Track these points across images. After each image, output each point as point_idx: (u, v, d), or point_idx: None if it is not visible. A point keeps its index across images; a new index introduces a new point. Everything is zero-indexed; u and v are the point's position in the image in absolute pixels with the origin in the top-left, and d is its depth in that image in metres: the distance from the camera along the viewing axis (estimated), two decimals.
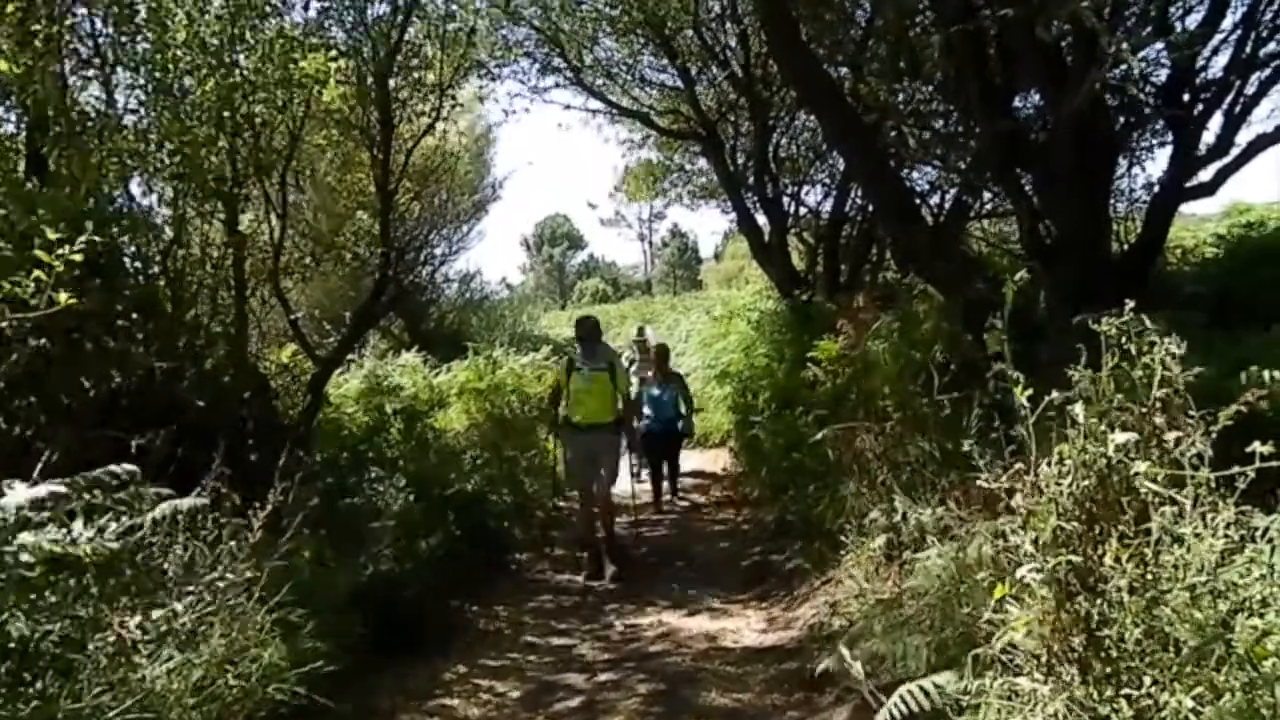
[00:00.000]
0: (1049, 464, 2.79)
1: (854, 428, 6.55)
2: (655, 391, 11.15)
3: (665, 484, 11.46)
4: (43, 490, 4.30)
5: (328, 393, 9.30)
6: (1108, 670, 2.54)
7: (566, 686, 5.65)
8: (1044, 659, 2.68)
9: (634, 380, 11.10)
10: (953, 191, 11.18)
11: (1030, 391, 2.89)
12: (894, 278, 11.16)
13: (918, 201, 10.12)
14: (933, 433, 5.72)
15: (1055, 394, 2.89)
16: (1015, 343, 3.20)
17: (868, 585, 5.22)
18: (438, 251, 21.07)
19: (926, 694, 3.13)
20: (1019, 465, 2.92)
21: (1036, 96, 8.70)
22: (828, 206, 14.49)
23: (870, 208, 11.94)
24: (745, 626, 6.58)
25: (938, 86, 9.21)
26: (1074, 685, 2.57)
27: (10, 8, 5.15)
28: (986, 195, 11.03)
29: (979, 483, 3.10)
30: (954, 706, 2.99)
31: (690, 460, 13.86)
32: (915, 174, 11.32)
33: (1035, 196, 7.78)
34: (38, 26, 5.95)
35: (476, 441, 10.62)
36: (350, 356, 11.23)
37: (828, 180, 14.80)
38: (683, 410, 11.09)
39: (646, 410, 10.99)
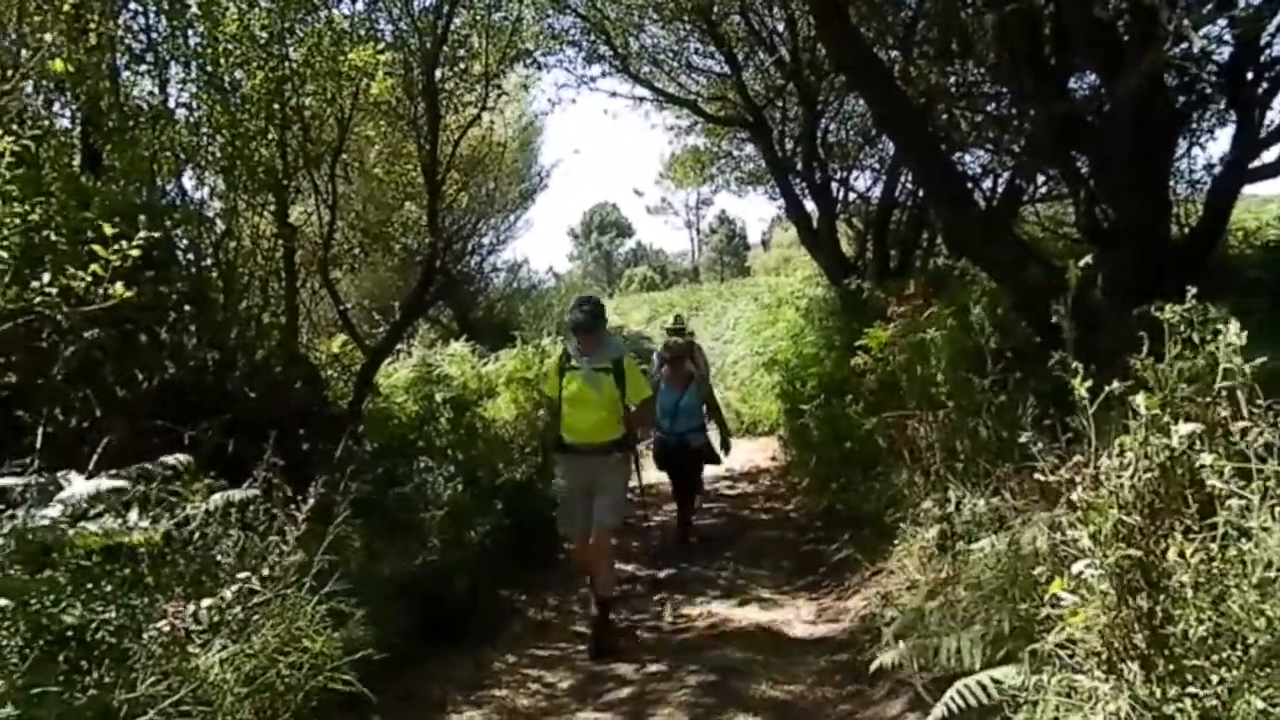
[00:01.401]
0: (1109, 455, 2.70)
1: (905, 416, 6.47)
2: (673, 394, 8.83)
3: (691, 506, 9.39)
4: (98, 481, 4.36)
5: (377, 382, 9.37)
6: (1172, 669, 2.46)
7: (616, 677, 5.64)
8: (1105, 656, 2.60)
9: (654, 372, 9.28)
10: (1006, 175, 10.98)
11: (1089, 381, 2.80)
12: (945, 263, 11.00)
13: (970, 186, 9.94)
14: (987, 421, 5.62)
15: (1116, 383, 2.81)
16: (1073, 330, 3.11)
17: (920, 576, 5.14)
18: (485, 241, 21.17)
19: (984, 689, 3.06)
20: (1077, 457, 2.84)
21: (1092, 77, 8.50)
22: (877, 192, 14.34)
23: (921, 192, 11.76)
24: (795, 617, 6.52)
25: (990, 68, 9.03)
26: (1136, 684, 2.50)
27: (65, 5, 5.20)
28: (1041, 179, 10.81)
29: (1035, 474, 3.02)
30: (1011, 702, 2.92)
31: (738, 449, 13.79)
32: (968, 157, 11.12)
33: (1092, 180, 7.60)
34: (92, 23, 6.02)
35: (525, 431, 10.63)
36: (399, 346, 11.30)
37: (877, 165, 14.64)
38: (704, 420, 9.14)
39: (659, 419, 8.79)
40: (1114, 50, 6.66)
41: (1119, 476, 2.65)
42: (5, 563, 4.06)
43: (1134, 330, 3.00)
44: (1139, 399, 2.68)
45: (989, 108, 9.64)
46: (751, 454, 13.61)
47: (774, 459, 13.04)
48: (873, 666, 4.03)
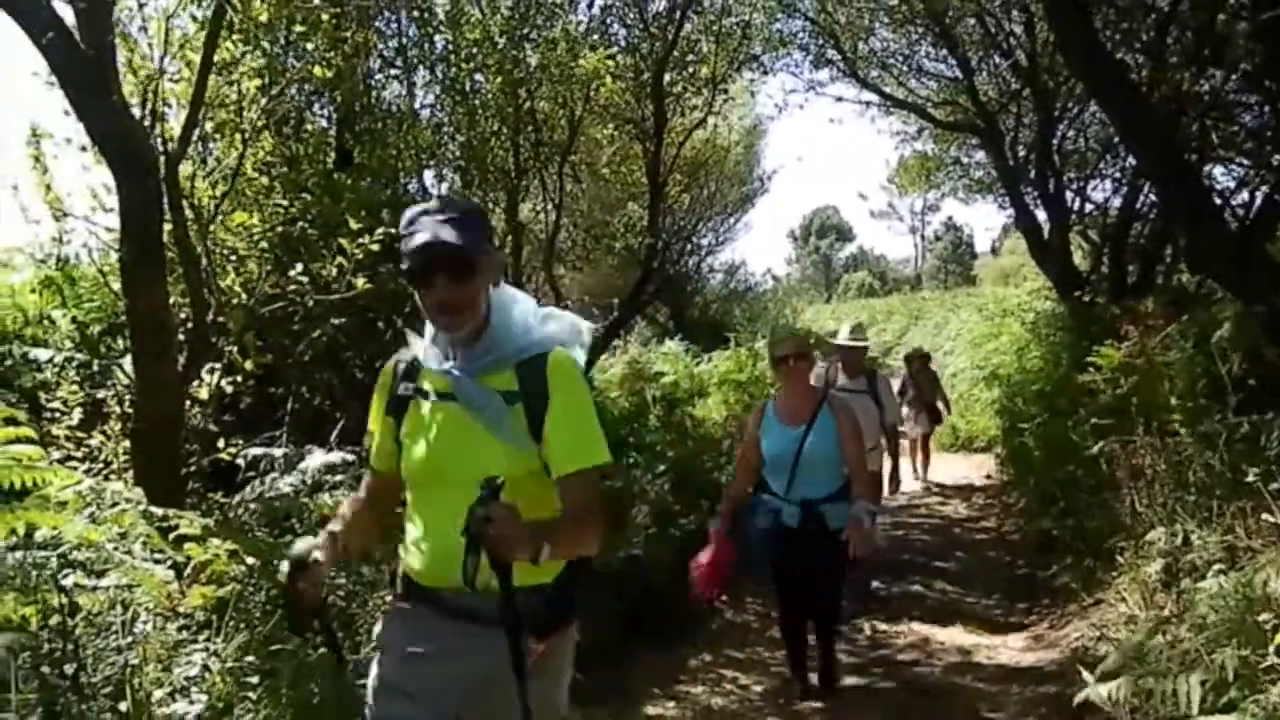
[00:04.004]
0: None
1: (1135, 441, 6.13)
2: (786, 432, 4.97)
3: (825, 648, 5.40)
4: (336, 456, 4.72)
5: (592, 377, 9.64)
6: None
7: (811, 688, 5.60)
8: None
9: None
10: (1262, 190, 10.18)
11: None
12: (1189, 282, 10.33)
13: (1220, 202, 9.29)
14: (1224, 454, 5.26)
15: None
16: None
17: (1141, 611, 4.88)
18: (704, 242, 21.36)
19: None
20: None
21: None
22: (1116, 203, 13.58)
23: (1164, 205, 11.07)
24: (1003, 643, 6.30)
25: (1245, 76, 8.41)
26: None
27: (325, 16, 5.64)
28: None
29: (1273, 514, 2.83)
30: None
31: (953, 464, 13.41)
32: (1218, 171, 10.39)
33: None
34: (348, 31, 6.49)
35: (734, 433, 10.69)
36: (615, 342, 11.60)
37: (1118, 175, 13.85)
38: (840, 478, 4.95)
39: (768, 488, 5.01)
40: None
41: None
42: (254, 525, 4.46)
43: None
44: None
45: (1244, 118, 8.99)
46: (966, 470, 13.20)
47: (989, 477, 12.59)
48: (1078, 699, 3.85)
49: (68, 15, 4.03)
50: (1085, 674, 3.69)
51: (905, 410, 11.06)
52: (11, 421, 3.08)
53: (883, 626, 6.74)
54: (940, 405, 11.90)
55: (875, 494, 6.20)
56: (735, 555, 4.94)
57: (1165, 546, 5.02)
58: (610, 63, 7.88)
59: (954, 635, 6.50)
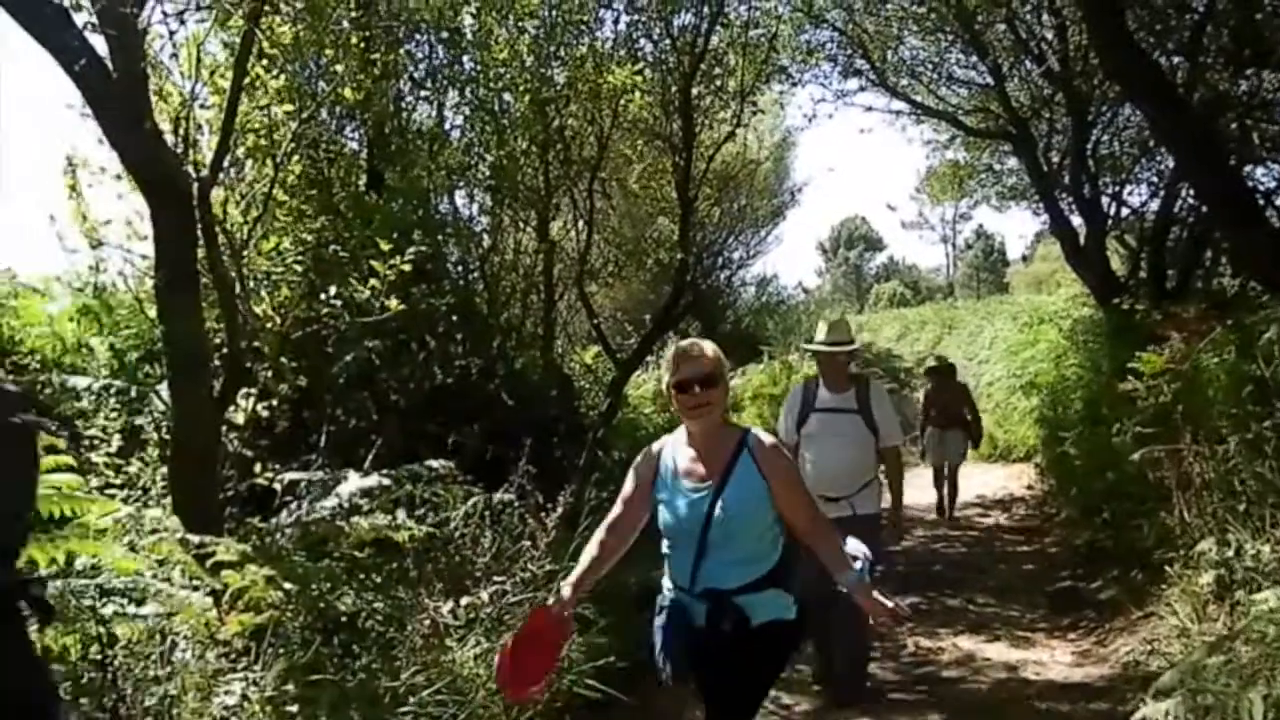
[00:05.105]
0: None
1: (1180, 449, 6.01)
2: (688, 491, 3.28)
3: None
4: (372, 480, 4.71)
5: (626, 393, 9.61)
6: None
7: (855, 705, 5.51)
8: None
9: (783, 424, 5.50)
10: None
11: None
12: (1231, 285, 10.16)
13: (1262, 201, 9.14)
14: (1274, 461, 5.14)
15: None
16: None
17: (1193, 625, 4.76)
18: (735, 256, 21.32)
19: None
20: None
21: None
22: (1154, 207, 13.41)
23: (1204, 208, 10.91)
24: (1050, 658, 6.16)
25: None
26: None
27: (354, 39, 5.67)
28: None
29: None
30: None
31: (990, 475, 13.24)
32: (1259, 171, 10.23)
33: None
34: (378, 54, 6.51)
35: None
36: (649, 358, 11.57)
37: (1154, 179, 13.69)
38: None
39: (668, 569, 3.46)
40: None
41: None
42: (290, 550, 4.45)
43: None
44: None
45: None
46: (1005, 481, 13.03)
47: (1029, 487, 12.41)
48: (1135, 718, 3.76)
49: (100, 45, 4.06)
50: (1145, 696, 3.58)
51: (928, 433, 10.23)
52: (52, 450, 3.09)
53: (925, 642, 6.62)
54: (972, 422, 10.28)
55: (871, 537, 4.33)
56: (562, 639, 3.45)
57: (1216, 557, 4.91)
58: (638, 78, 7.86)
59: (999, 650, 6.38)
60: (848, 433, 5.13)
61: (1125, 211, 14.11)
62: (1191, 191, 11.29)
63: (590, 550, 3.35)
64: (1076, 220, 13.52)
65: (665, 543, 3.39)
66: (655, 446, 3.42)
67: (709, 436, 3.27)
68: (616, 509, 3.42)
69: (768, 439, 3.31)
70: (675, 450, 3.34)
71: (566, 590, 3.25)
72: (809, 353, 6.02)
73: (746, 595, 3.22)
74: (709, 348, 3.28)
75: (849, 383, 5.35)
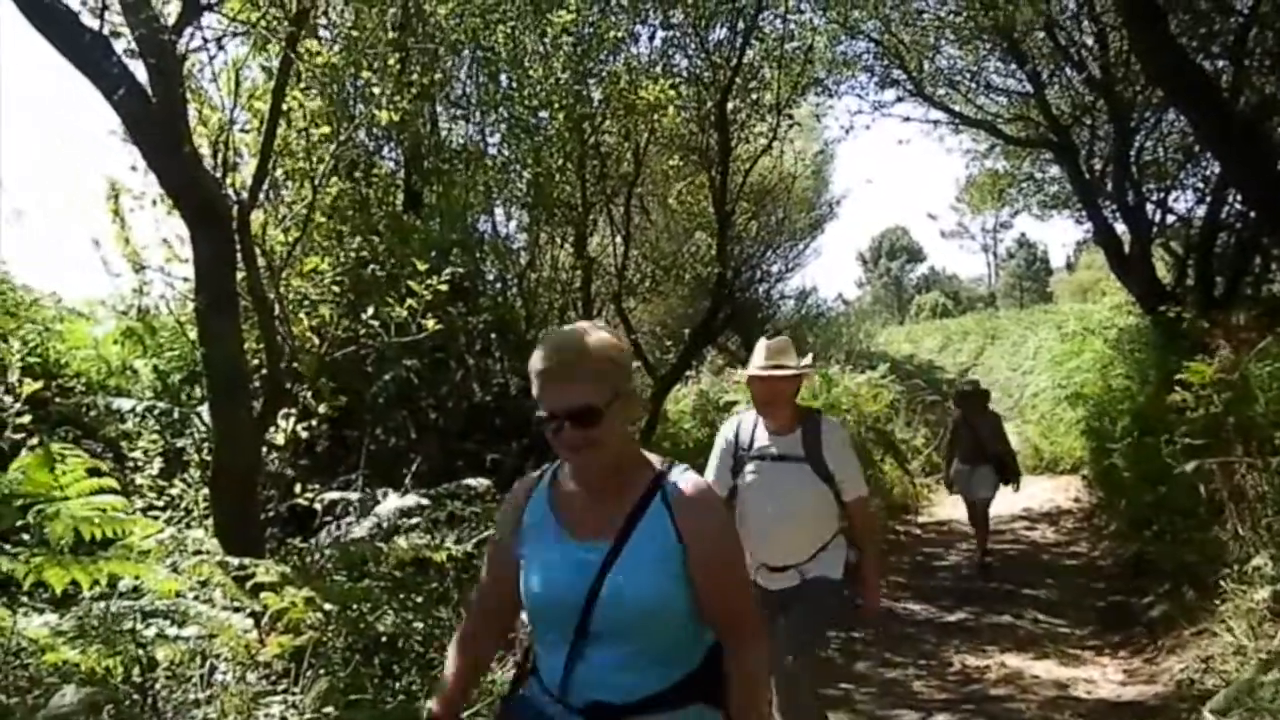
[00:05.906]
0: None
1: (1232, 461, 5.88)
2: (571, 550, 2.06)
3: None
4: (411, 499, 4.71)
5: (665, 408, 9.59)
6: None
7: None
8: None
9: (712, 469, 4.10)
10: None
11: None
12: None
13: None
14: None
15: None
16: None
17: (1249, 642, 4.64)
18: (774, 269, 21.17)
19: None
20: None
21: None
22: (1200, 213, 13.20)
23: (1252, 214, 10.71)
24: (1100, 676, 6.04)
25: None
26: None
27: (391, 60, 5.71)
28: None
29: None
30: None
31: (1037, 487, 13.05)
32: None
33: None
34: (414, 75, 6.56)
35: None
36: (687, 372, 11.54)
37: (1200, 184, 13.48)
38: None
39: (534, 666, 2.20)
40: None
41: None
42: (330, 570, 4.46)
43: None
44: None
45: None
46: (1052, 493, 12.84)
47: (1076, 500, 12.22)
48: None
49: (139, 71, 4.11)
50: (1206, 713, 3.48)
51: (955, 467, 8.96)
52: (95, 473, 3.11)
53: (972, 660, 6.51)
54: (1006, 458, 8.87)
55: (821, 609, 3.91)
56: None
57: (1273, 572, 4.80)
58: (673, 93, 7.86)
59: (1048, 668, 6.25)
60: (793, 485, 3.87)
61: (1171, 218, 13.92)
62: (1239, 197, 11.11)
63: (449, 665, 2.22)
64: (1120, 228, 13.36)
65: (528, 626, 2.21)
66: (528, 480, 2.23)
67: (596, 480, 2.09)
68: (474, 599, 2.36)
69: (695, 485, 2.10)
70: (558, 487, 2.16)
71: (435, 707, 2.19)
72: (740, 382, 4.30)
73: (650, 716, 2.04)
74: (594, 344, 2.01)
75: (793, 421, 3.98)
